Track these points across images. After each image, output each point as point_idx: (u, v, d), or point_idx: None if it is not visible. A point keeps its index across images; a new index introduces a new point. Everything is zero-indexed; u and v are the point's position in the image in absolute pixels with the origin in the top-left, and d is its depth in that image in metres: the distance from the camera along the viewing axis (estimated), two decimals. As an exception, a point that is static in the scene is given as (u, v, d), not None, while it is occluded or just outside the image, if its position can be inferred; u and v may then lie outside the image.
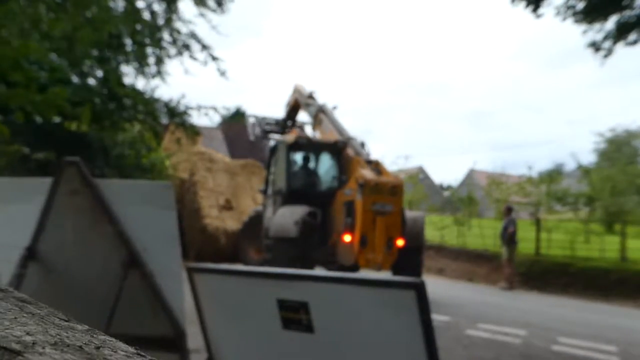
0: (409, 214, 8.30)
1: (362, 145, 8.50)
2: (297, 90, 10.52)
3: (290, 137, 9.25)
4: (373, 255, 7.01)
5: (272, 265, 7.16)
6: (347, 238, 7.32)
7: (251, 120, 11.64)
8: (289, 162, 8.80)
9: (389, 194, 7.17)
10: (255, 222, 10.09)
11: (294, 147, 8.79)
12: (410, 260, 7.42)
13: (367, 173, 7.41)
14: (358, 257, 7.05)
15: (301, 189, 8.68)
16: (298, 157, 9.10)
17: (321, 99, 10.03)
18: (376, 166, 7.66)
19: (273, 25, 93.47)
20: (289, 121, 11.14)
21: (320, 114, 9.44)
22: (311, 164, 9.21)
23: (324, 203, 8.11)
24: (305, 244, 7.49)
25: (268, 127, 11.18)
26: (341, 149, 8.62)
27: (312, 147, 9.03)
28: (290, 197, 8.50)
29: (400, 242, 7.35)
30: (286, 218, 7.67)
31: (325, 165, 9.35)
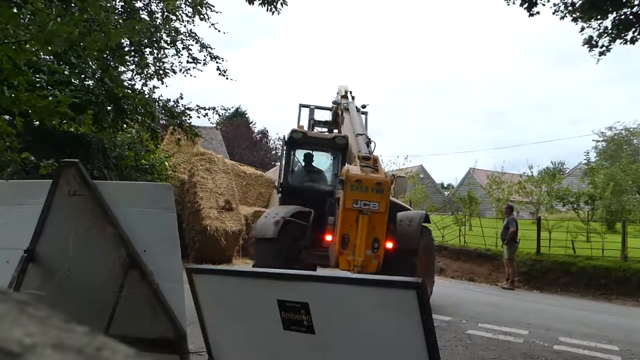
0: (407, 213, 7.87)
1: (368, 143, 7.87)
2: (339, 91, 10.02)
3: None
4: (353, 257, 6.47)
5: (257, 266, 6.79)
6: (328, 238, 6.88)
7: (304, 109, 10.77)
8: (287, 158, 8.48)
9: (373, 191, 6.60)
10: None
11: (289, 142, 8.40)
12: (403, 263, 6.77)
13: (353, 168, 6.91)
14: (338, 258, 6.56)
15: (298, 186, 8.33)
16: (296, 153, 8.70)
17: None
18: (374, 162, 7.16)
19: (289, 25, 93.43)
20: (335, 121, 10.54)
21: (343, 113, 9.00)
22: (310, 161, 8.80)
23: (323, 202, 7.68)
24: (288, 245, 7.06)
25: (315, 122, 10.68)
26: (342, 145, 8.10)
27: (310, 143, 8.58)
28: (285, 195, 8.22)
29: (389, 244, 6.80)
30: (269, 218, 7.29)
31: (326, 163, 9.01)
